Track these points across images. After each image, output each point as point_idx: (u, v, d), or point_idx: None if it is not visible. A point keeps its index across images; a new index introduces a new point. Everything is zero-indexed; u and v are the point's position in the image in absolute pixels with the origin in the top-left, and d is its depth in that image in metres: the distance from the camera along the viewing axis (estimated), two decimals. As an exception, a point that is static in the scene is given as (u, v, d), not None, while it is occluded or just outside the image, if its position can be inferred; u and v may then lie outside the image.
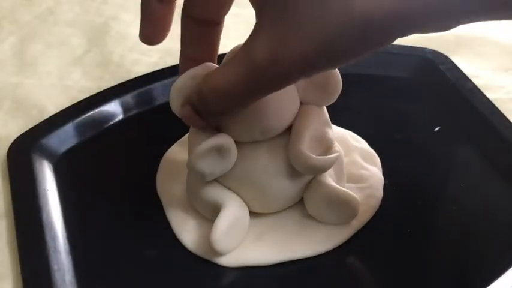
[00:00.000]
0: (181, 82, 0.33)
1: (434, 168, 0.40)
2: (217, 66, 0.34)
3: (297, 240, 0.36)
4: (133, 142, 0.43)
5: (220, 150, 0.33)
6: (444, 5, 0.21)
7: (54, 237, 0.36)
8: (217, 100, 0.28)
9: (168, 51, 0.52)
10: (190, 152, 0.34)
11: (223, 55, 0.35)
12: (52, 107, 0.46)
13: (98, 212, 0.39)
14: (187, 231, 0.37)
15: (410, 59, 0.48)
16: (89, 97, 0.46)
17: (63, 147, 0.42)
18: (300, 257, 0.35)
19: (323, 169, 0.34)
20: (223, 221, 0.34)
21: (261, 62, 0.24)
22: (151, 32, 0.32)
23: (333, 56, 0.23)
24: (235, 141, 0.34)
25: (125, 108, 0.45)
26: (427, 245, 0.36)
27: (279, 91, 0.29)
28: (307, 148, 0.33)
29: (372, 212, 0.37)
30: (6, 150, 0.42)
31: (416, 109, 0.45)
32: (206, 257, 0.35)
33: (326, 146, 0.35)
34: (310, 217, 0.37)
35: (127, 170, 0.41)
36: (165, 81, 0.45)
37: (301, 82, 0.34)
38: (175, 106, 0.34)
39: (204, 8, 0.32)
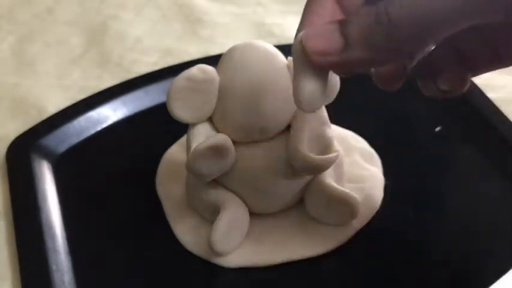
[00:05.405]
0: (177, 83, 0.33)
1: (434, 168, 0.40)
2: (212, 68, 0.34)
3: (296, 240, 0.36)
4: (133, 142, 0.43)
5: (218, 151, 0.33)
6: None
7: (53, 238, 0.36)
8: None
9: (168, 51, 0.52)
10: (188, 153, 0.34)
11: (220, 55, 0.35)
12: (51, 107, 0.46)
13: (98, 212, 0.39)
14: (187, 231, 0.36)
15: (411, 59, 0.48)
16: (88, 97, 0.46)
17: (62, 148, 0.42)
18: (300, 258, 0.35)
19: (322, 168, 0.34)
20: (223, 222, 0.34)
21: None
22: None
23: None
24: (234, 142, 0.34)
25: (124, 109, 0.45)
26: (427, 245, 0.36)
27: (277, 90, 0.29)
28: (305, 147, 0.33)
29: (372, 212, 0.37)
30: (5, 151, 0.42)
31: (417, 109, 0.45)
32: (206, 257, 0.35)
33: (325, 145, 0.35)
34: (310, 217, 0.36)
35: (126, 170, 0.41)
36: (165, 81, 0.45)
37: None
38: (172, 107, 0.34)
39: None
